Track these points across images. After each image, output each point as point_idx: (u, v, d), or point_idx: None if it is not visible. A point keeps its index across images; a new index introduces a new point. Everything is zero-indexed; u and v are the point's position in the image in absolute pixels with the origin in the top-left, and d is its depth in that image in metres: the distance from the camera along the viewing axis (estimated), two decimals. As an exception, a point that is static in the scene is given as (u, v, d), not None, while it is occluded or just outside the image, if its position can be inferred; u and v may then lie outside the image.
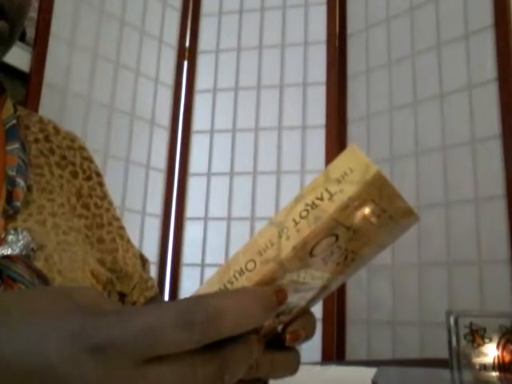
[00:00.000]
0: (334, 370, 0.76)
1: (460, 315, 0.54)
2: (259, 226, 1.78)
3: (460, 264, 1.47)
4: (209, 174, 1.90)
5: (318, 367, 0.75)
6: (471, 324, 0.53)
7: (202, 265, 1.84)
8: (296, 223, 0.26)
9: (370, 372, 0.61)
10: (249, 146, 1.87)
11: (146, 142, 1.85)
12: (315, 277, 0.28)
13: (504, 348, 0.53)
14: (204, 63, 2.00)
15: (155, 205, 1.86)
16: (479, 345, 0.53)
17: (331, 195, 0.25)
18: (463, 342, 0.53)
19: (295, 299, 0.29)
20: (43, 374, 0.22)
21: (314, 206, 0.25)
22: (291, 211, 0.26)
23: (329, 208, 0.25)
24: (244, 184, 1.85)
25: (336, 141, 1.78)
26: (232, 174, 1.87)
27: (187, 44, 2.02)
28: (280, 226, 0.26)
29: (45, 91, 1.51)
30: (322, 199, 0.25)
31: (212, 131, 1.93)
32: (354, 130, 1.78)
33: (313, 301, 0.31)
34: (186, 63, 2.00)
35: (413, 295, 1.54)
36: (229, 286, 0.26)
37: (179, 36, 2.01)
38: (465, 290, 1.45)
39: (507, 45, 1.47)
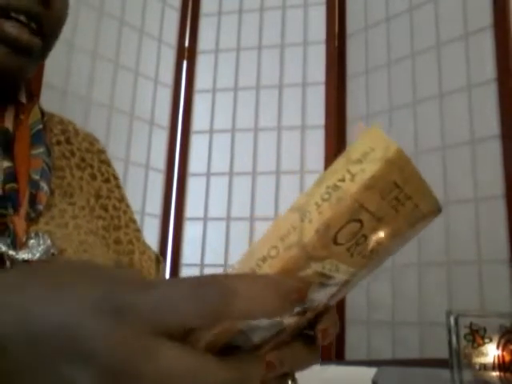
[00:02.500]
0: (334, 370, 0.76)
1: (460, 315, 0.54)
2: (259, 226, 1.78)
3: (460, 264, 1.47)
4: (208, 174, 1.90)
5: (318, 367, 0.75)
6: (471, 324, 0.53)
7: (202, 265, 1.84)
8: (318, 206, 0.25)
9: (370, 372, 0.61)
10: (248, 146, 1.87)
11: (145, 142, 1.85)
12: (340, 270, 0.27)
13: (504, 348, 0.53)
14: (203, 63, 2.00)
15: (155, 205, 1.86)
16: (479, 345, 0.53)
17: (353, 176, 0.25)
18: (463, 342, 0.53)
19: (321, 295, 0.28)
20: (65, 332, 0.23)
21: (335, 187, 0.25)
22: (312, 195, 0.26)
23: (351, 188, 0.25)
24: (243, 184, 1.85)
25: (336, 141, 1.78)
26: (231, 174, 1.87)
27: (187, 44, 2.02)
28: (302, 210, 0.25)
29: (45, 91, 1.51)
30: (343, 180, 0.25)
31: (211, 131, 1.93)
32: (353, 130, 1.78)
33: (334, 296, 0.31)
34: (185, 63, 2.00)
35: (413, 295, 1.54)
36: None
37: (179, 36, 2.01)
38: (465, 290, 1.45)
39: (507, 45, 1.47)
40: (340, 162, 0.26)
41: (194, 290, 0.23)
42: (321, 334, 0.30)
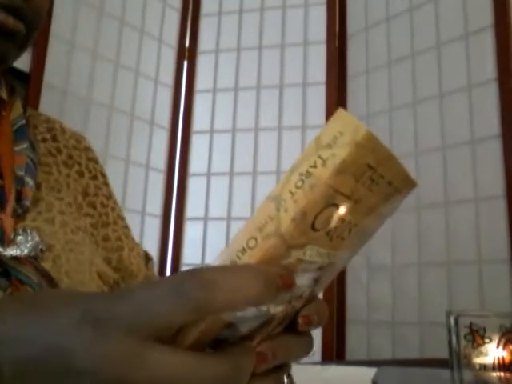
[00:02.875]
0: (334, 370, 0.76)
1: (460, 315, 0.54)
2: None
3: (460, 264, 1.47)
4: (209, 174, 1.90)
5: (318, 367, 0.75)
6: (471, 324, 0.53)
7: (202, 265, 1.84)
8: (292, 194, 0.25)
9: (370, 372, 0.61)
10: (249, 146, 1.87)
11: (145, 142, 1.85)
12: (322, 254, 0.27)
13: (504, 348, 0.53)
14: (204, 63, 2.00)
15: (155, 205, 1.86)
16: (479, 345, 0.53)
17: (324, 161, 0.25)
18: (463, 342, 0.53)
19: (305, 281, 0.28)
20: (52, 352, 0.23)
21: (308, 174, 0.25)
22: (287, 183, 0.26)
23: (323, 174, 0.25)
24: (244, 184, 1.85)
25: (336, 141, 1.78)
26: (232, 174, 1.87)
27: (187, 44, 2.02)
28: (277, 199, 0.25)
29: (45, 91, 1.51)
30: (315, 166, 0.25)
31: (212, 131, 1.93)
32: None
33: (321, 282, 0.31)
34: (185, 63, 2.00)
35: (413, 295, 1.54)
36: None
37: (179, 36, 2.01)
38: (465, 290, 1.45)
39: (507, 45, 1.47)
40: (311, 148, 0.26)
41: (174, 287, 0.23)
42: (302, 320, 0.29)
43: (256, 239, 0.25)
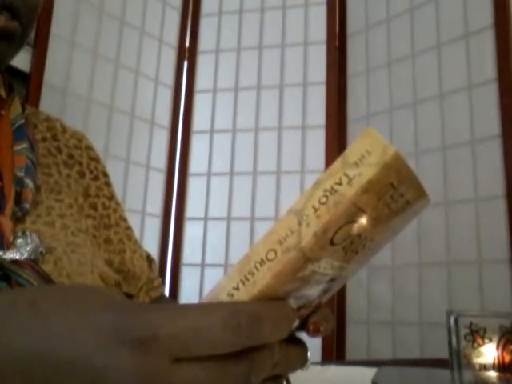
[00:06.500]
0: (334, 370, 0.76)
1: (460, 315, 0.54)
2: (259, 226, 1.79)
3: (460, 264, 1.47)
4: (209, 174, 1.90)
5: (318, 367, 0.75)
6: (471, 324, 0.53)
7: (202, 265, 1.84)
8: (316, 209, 0.25)
9: (370, 372, 0.61)
10: (249, 146, 1.87)
11: (145, 142, 1.85)
12: (334, 267, 0.28)
13: (504, 348, 0.53)
14: (204, 63, 2.00)
15: (155, 205, 1.86)
16: (479, 345, 0.53)
17: (350, 179, 0.25)
18: (463, 342, 0.53)
19: (316, 291, 0.29)
20: (78, 365, 0.22)
21: (333, 191, 0.25)
22: (310, 198, 0.26)
23: (348, 192, 0.25)
24: (244, 184, 1.85)
25: (336, 141, 1.78)
26: (232, 174, 1.87)
27: (187, 44, 2.02)
28: (299, 213, 0.26)
29: (45, 91, 1.51)
30: (340, 184, 0.25)
31: (212, 131, 1.93)
32: (353, 129, 1.78)
33: (327, 292, 0.31)
34: (185, 63, 2.00)
35: (413, 295, 1.54)
36: (250, 277, 0.26)
37: (179, 36, 2.01)
38: (465, 290, 1.45)
39: (507, 45, 1.47)
40: (337, 165, 0.26)
41: (230, 318, 0.23)
42: (312, 326, 0.30)
43: (276, 252, 0.26)
